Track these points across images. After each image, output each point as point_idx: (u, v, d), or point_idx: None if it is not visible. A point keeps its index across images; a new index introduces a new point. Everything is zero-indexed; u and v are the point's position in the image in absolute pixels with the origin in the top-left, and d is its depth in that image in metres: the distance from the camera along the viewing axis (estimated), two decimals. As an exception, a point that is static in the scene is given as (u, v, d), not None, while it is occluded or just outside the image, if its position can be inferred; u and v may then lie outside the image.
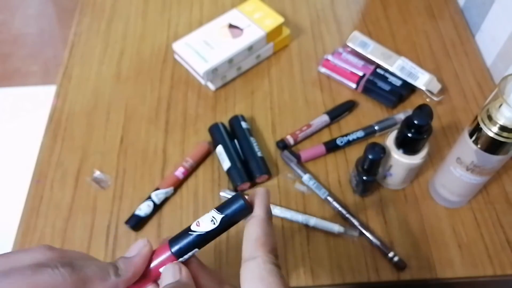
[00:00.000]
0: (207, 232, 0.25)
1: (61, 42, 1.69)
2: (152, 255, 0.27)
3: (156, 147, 0.59)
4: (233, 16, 0.66)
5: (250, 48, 0.63)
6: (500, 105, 0.40)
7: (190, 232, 0.26)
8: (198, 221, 0.26)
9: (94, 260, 0.26)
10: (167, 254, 0.26)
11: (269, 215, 0.27)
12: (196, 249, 0.26)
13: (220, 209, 0.25)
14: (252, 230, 0.26)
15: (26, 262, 0.23)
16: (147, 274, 0.26)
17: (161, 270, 0.26)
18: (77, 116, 0.62)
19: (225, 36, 0.64)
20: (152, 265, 0.26)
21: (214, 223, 0.25)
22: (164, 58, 0.68)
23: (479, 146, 0.43)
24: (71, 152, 0.59)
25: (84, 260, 0.25)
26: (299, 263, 0.49)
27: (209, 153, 0.58)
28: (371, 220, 0.52)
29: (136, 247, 0.27)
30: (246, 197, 0.26)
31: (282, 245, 0.50)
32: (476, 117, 0.43)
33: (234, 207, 0.25)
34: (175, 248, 0.26)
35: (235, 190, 0.54)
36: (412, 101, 0.62)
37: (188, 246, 0.26)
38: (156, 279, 0.27)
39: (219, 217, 0.25)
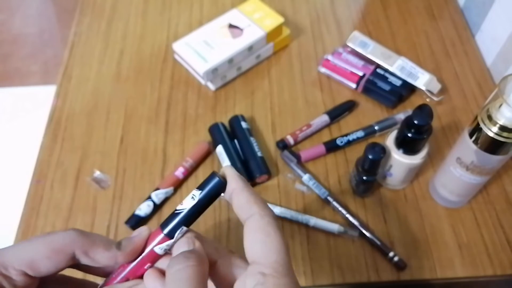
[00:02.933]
0: (189, 209, 0.28)
1: (61, 42, 1.69)
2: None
3: (156, 147, 0.59)
4: (233, 16, 0.66)
5: (250, 48, 0.63)
6: (500, 105, 0.40)
7: (175, 212, 0.28)
8: (182, 202, 0.28)
9: (102, 235, 0.29)
10: (160, 236, 0.29)
11: (245, 183, 0.28)
12: (184, 227, 0.28)
13: (199, 187, 0.28)
14: (239, 199, 0.28)
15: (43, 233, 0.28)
16: (144, 255, 0.29)
17: (175, 245, 0.28)
18: (77, 116, 0.62)
19: (225, 36, 0.64)
20: (149, 246, 0.29)
21: (193, 199, 0.28)
22: (164, 58, 0.68)
23: (479, 146, 0.43)
24: (71, 152, 0.59)
25: (94, 233, 0.29)
26: (299, 263, 0.49)
27: (209, 153, 0.58)
28: (371, 220, 0.52)
29: (137, 231, 0.29)
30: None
31: (282, 245, 0.50)
32: (476, 117, 0.43)
33: (210, 183, 0.28)
34: (166, 230, 0.28)
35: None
36: (412, 101, 0.62)
37: (176, 225, 0.28)
38: (152, 260, 0.29)
39: (197, 193, 0.28)
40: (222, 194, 0.29)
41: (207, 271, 0.27)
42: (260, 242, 0.26)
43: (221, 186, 0.28)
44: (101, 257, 0.28)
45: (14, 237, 0.52)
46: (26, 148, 1.35)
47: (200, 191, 0.28)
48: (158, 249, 0.29)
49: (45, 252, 0.26)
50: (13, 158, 1.37)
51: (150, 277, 0.29)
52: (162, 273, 0.29)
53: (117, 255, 0.28)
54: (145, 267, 0.29)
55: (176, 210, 0.28)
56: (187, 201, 0.28)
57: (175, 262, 0.26)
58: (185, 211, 0.28)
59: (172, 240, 0.28)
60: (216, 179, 0.28)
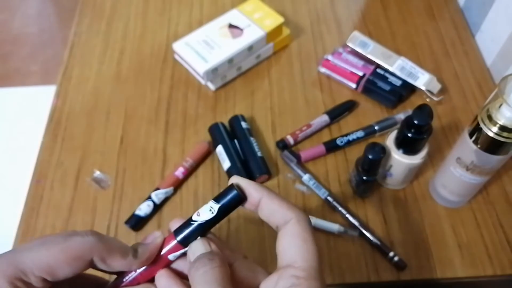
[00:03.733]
0: (207, 221, 0.28)
1: (61, 42, 1.69)
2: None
3: (156, 147, 0.59)
4: (233, 16, 0.66)
5: (250, 48, 0.63)
6: (500, 105, 0.40)
7: (191, 222, 0.28)
8: (198, 212, 0.28)
9: (119, 240, 0.29)
10: (173, 243, 0.29)
11: (271, 190, 0.29)
12: (199, 237, 0.29)
13: (216, 199, 0.28)
14: (270, 205, 0.28)
15: (59, 234, 0.27)
16: (157, 260, 0.29)
17: (190, 245, 0.29)
18: (77, 116, 0.62)
19: (225, 36, 0.64)
20: (162, 253, 0.29)
21: (212, 213, 0.28)
22: (164, 58, 0.68)
23: (479, 146, 0.43)
24: (71, 152, 0.59)
25: (111, 237, 0.29)
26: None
27: (209, 153, 0.58)
28: (371, 220, 0.52)
29: (151, 236, 0.30)
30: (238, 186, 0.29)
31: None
32: (476, 117, 0.43)
33: (229, 196, 0.28)
34: (180, 237, 0.29)
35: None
36: (412, 101, 0.62)
37: (191, 234, 0.28)
38: (164, 265, 0.29)
39: (216, 206, 0.28)
40: (241, 206, 0.29)
41: (229, 272, 0.27)
42: (297, 247, 0.26)
43: (239, 199, 0.28)
44: (117, 265, 0.28)
45: (14, 237, 0.52)
46: (26, 148, 1.35)
47: (218, 205, 0.28)
48: (172, 257, 0.29)
49: (64, 259, 0.26)
50: (13, 158, 1.37)
51: (162, 277, 0.29)
52: (174, 272, 0.29)
53: (133, 263, 0.28)
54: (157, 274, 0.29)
55: (192, 220, 0.28)
56: (205, 213, 0.28)
57: (201, 264, 0.27)
58: (202, 222, 0.28)
59: (186, 249, 0.29)
60: (234, 192, 0.28)
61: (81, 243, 0.27)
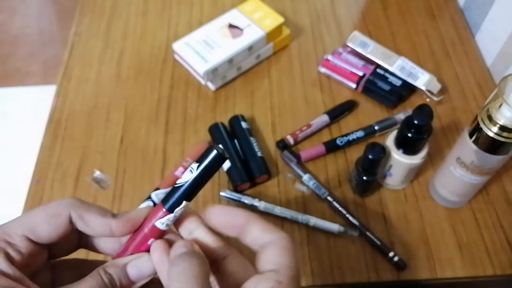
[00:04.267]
0: (189, 183, 0.28)
1: (61, 42, 1.69)
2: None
3: (156, 147, 0.59)
4: (233, 16, 0.66)
5: (250, 48, 0.63)
6: (500, 105, 0.40)
7: (175, 186, 0.29)
8: (181, 177, 0.29)
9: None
10: (161, 211, 0.29)
11: (254, 214, 0.30)
12: (185, 202, 0.28)
13: (197, 161, 0.28)
14: (256, 226, 0.29)
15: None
16: (144, 227, 0.29)
17: (175, 246, 0.28)
18: (77, 116, 0.62)
19: (225, 36, 0.64)
20: (151, 221, 0.29)
21: (192, 173, 0.28)
22: (164, 58, 0.68)
23: (479, 146, 0.43)
24: (71, 152, 0.59)
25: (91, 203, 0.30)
26: (299, 263, 0.49)
27: (209, 153, 0.58)
28: (371, 220, 0.52)
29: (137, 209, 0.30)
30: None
31: (282, 245, 0.50)
32: (476, 117, 0.43)
33: (209, 156, 0.28)
34: (167, 205, 0.29)
35: (235, 190, 0.54)
36: (412, 101, 0.62)
37: (177, 199, 0.28)
38: (155, 235, 0.29)
39: (195, 166, 0.28)
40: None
41: (209, 272, 0.27)
42: (284, 257, 0.28)
43: (220, 158, 0.28)
44: (95, 224, 0.28)
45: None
46: (26, 148, 1.35)
47: (198, 164, 0.28)
48: (160, 224, 0.29)
49: (43, 216, 0.28)
50: (13, 158, 1.37)
51: (157, 249, 0.29)
52: (170, 245, 0.29)
53: (111, 222, 0.28)
54: (149, 243, 0.29)
55: (175, 184, 0.28)
56: (186, 175, 0.28)
57: (180, 260, 0.27)
58: (185, 185, 0.28)
59: (173, 215, 0.29)
60: (214, 152, 0.28)
61: (58, 202, 0.29)
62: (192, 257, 0.27)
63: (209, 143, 0.58)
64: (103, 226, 0.29)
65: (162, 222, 0.29)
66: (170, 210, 0.28)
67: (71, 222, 0.28)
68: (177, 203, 0.28)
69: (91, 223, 0.28)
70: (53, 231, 0.28)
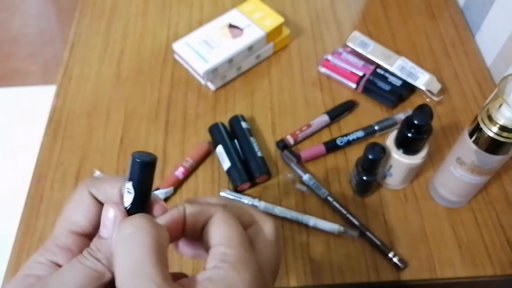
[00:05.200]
0: (132, 203, 0.27)
1: (61, 42, 1.69)
2: None
3: (156, 147, 0.59)
4: (233, 16, 0.66)
5: (250, 48, 0.63)
6: (500, 105, 0.40)
7: (127, 210, 0.27)
8: (124, 199, 0.27)
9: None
10: None
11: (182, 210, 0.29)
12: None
13: (129, 178, 0.27)
14: (195, 208, 0.28)
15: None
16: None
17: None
18: (77, 116, 0.62)
19: (225, 36, 0.64)
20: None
21: (130, 193, 0.27)
22: (164, 58, 0.68)
23: (479, 146, 0.43)
24: (71, 152, 0.59)
25: None
26: (299, 263, 0.49)
27: (209, 153, 0.58)
28: (371, 220, 0.52)
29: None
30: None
31: (282, 245, 0.50)
32: (476, 117, 0.43)
33: (135, 169, 0.26)
34: None
35: (235, 190, 0.54)
36: (412, 101, 0.62)
37: None
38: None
39: (129, 185, 0.27)
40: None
41: (166, 243, 0.25)
42: (227, 227, 0.26)
43: (146, 164, 0.26)
44: (111, 192, 0.27)
45: (14, 237, 0.52)
46: (26, 148, 1.35)
47: (131, 181, 0.27)
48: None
49: (72, 206, 0.28)
50: (13, 158, 1.37)
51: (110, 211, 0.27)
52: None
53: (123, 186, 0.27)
54: None
55: (126, 208, 0.27)
56: (126, 197, 0.27)
57: (127, 225, 0.24)
58: (132, 207, 0.27)
59: None
60: (138, 162, 0.26)
61: (77, 188, 0.29)
62: (145, 221, 0.24)
63: (209, 143, 0.58)
64: (118, 191, 0.28)
65: None
66: None
67: (96, 199, 0.28)
68: None
69: (108, 192, 0.28)
70: (86, 214, 0.27)
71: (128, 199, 0.27)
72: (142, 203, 0.27)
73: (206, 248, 0.27)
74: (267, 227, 0.29)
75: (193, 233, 0.28)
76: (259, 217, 0.29)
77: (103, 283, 0.25)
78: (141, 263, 0.23)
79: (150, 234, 0.24)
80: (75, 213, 0.28)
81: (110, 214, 0.27)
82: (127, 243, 0.24)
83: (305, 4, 0.74)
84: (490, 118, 0.41)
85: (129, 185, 0.27)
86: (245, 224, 0.28)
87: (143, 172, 0.27)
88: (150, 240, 0.24)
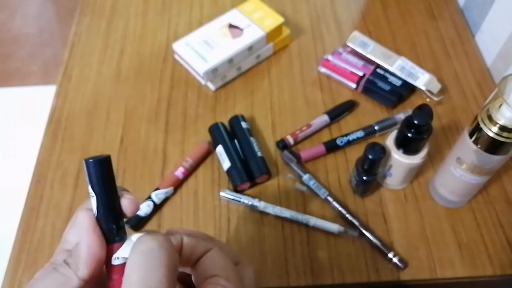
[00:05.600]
0: (98, 206, 0.26)
1: (61, 42, 1.69)
2: None
3: (156, 147, 0.59)
4: (233, 16, 0.66)
5: (250, 48, 0.63)
6: (500, 105, 0.40)
7: (97, 219, 0.27)
8: (92, 207, 0.27)
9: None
10: (109, 248, 0.27)
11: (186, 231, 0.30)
12: (121, 220, 0.27)
13: (89, 182, 0.26)
14: (190, 242, 0.29)
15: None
16: (111, 275, 0.27)
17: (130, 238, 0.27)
18: (77, 116, 0.62)
19: (225, 36, 0.64)
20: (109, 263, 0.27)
21: (93, 196, 0.26)
22: (164, 58, 0.68)
23: (479, 146, 0.43)
24: (71, 152, 0.59)
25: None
26: (299, 263, 0.49)
27: (209, 153, 0.58)
28: (371, 220, 0.52)
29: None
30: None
31: (282, 245, 0.51)
32: (476, 117, 0.43)
33: (91, 171, 0.26)
34: (107, 239, 0.27)
35: (235, 190, 0.54)
36: (412, 101, 0.62)
37: (108, 228, 0.27)
38: (116, 273, 0.27)
39: (90, 189, 0.26)
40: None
41: (177, 263, 0.25)
42: (225, 263, 0.28)
43: (97, 163, 0.26)
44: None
45: (14, 237, 0.52)
46: (26, 148, 1.35)
47: (91, 185, 0.26)
48: (116, 261, 0.26)
49: (68, 225, 0.28)
50: (13, 158, 1.37)
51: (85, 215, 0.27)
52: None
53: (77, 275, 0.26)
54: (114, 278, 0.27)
55: (95, 216, 0.27)
56: (92, 202, 0.26)
57: (143, 240, 0.24)
58: (99, 212, 0.26)
59: (123, 246, 0.26)
60: (91, 163, 0.26)
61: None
62: (161, 240, 0.24)
63: (209, 143, 0.58)
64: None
65: (116, 257, 0.26)
66: (111, 242, 0.26)
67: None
68: (110, 231, 0.26)
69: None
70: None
71: (93, 203, 0.26)
72: (107, 204, 0.27)
73: (199, 278, 0.28)
74: (250, 268, 0.31)
75: (186, 262, 0.29)
76: (242, 258, 0.31)
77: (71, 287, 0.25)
78: (157, 282, 0.23)
79: (170, 255, 0.24)
80: (68, 232, 0.28)
81: (78, 218, 0.27)
82: (146, 258, 0.24)
83: (305, 4, 0.74)
84: (490, 118, 0.41)
85: (90, 190, 0.26)
86: (233, 261, 0.30)
87: (96, 172, 0.26)
88: (169, 261, 0.24)
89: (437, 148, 0.58)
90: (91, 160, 0.26)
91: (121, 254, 0.26)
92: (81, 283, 0.25)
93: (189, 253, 0.28)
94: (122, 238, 0.27)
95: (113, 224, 0.26)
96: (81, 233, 0.26)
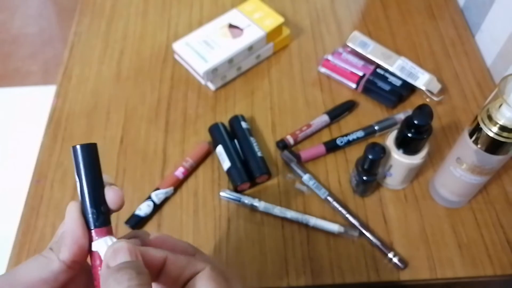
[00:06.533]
0: (81, 192, 0.28)
1: (61, 42, 1.69)
2: None
3: (156, 147, 0.59)
4: (233, 16, 0.66)
5: (250, 48, 0.63)
6: (500, 105, 0.40)
7: (82, 203, 0.28)
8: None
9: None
10: (92, 233, 0.28)
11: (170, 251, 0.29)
12: (124, 240, 0.27)
13: (76, 170, 0.28)
14: (178, 263, 0.28)
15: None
16: (94, 261, 0.28)
17: (112, 245, 0.27)
18: (77, 116, 0.62)
19: (225, 36, 0.64)
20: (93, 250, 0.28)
21: (77, 181, 0.28)
22: (164, 58, 0.68)
23: (479, 146, 0.43)
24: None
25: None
26: (299, 263, 0.49)
27: (209, 153, 0.58)
28: (371, 220, 0.52)
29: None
30: None
31: (282, 245, 0.51)
32: (476, 117, 0.43)
33: (77, 156, 0.27)
34: (90, 224, 0.28)
35: (235, 190, 0.54)
36: (412, 101, 0.62)
37: (92, 214, 0.28)
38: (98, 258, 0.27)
39: (75, 175, 0.27)
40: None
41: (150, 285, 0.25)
42: (216, 284, 0.27)
43: (83, 149, 0.27)
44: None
45: (14, 237, 0.52)
46: (26, 148, 1.35)
47: (76, 171, 0.27)
48: (98, 246, 0.27)
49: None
50: (13, 158, 1.37)
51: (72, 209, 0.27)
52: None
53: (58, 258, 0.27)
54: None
55: (81, 202, 0.28)
56: (78, 188, 0.27)
57: (126, 277, 0.24)
58: (85, 197, 0.27)
59: (94, 231, 0.27)
60: (76, 148, 0.27)
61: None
62: (142, 276, 0.24)
63: (209, 143, 0.58)
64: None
65: (98, 242, 0.27)
66: (90, 226, 0.27)
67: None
68: (90, 215, 0.27)
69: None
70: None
71: (78, 186, 0.27)
72: (88, 189, 0.28)
73: None
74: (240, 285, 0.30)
75: (174, 282, 0.28)
76: (230, 274, 0.30)
77: (52, 270, 0.26)
78: None
79: (141, 276, 0.24)
80: (59, 226, 0.29)
81: (67, 208, 0.28)
82: (118, 275, 0.24)
83: (305, 4, 0.74)
84: (490, 118, 0.41)
85: (75, 176, 0.27)
86: (222, 277, 0.29)
87: (80, 156, 0.27)
88: (140, 282, 0.24)
89: (437, 148, 0.58)
90: (76, 146, 0.27)
91: (96, 247, 0.27)
92: (62, 266, 0.26)
93: (177, 274, 0.27)
94: (103, 224, 0.28)
95: (93, 209, 0.27)
96: (66, 220, 0.27)
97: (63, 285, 0.27)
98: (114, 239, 0.28)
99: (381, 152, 0.48)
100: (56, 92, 0.65)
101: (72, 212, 0.27)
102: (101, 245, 0.27)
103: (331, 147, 0.57)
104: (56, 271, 0.26)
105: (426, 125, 0.46)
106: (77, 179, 0.28)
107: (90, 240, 0.27)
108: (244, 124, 0.58)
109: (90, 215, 0.27)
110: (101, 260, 0.27)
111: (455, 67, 0.66)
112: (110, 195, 0.28)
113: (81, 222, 0.27)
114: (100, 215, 0.28)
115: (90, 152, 0.28)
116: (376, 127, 0.58)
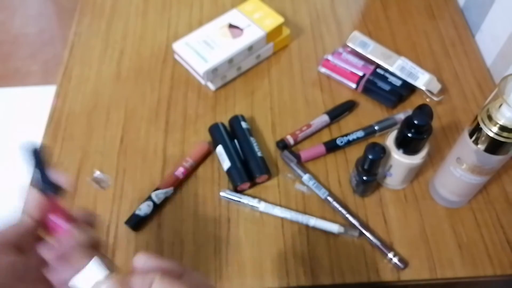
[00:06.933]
0: (34, 173, 0.34)
1: (61, 42, 1.69)
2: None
3: (156, 147, 0.59)
4: (233, 16, 0.66)
5: (250, 48, 0.63)
6: (500, 105, 0.40)
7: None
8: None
9: None
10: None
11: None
12: (95, 258, 0.32)
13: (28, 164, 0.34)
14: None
15: None
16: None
17: (88, 265, 0.32)
18: (77, 116, 0.62)
19: (225, 36, 0.64)
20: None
21: (32, 173, 0.34)
22: (164, 58, 0.68)
23: (479, 146, 0.43)
24: (71, 152, 0.59)
25: None
26: (299, 263, 0.49)
27: (209, 153, 0.58)
28: (371, 220, 0.52)
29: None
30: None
31: (282, 245, 0.51)
32: (476, 117, 0.43)
33: (29, 156, 0.34)
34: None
35: (235, 190, 0.54)
36: (412, 101, 0.62)
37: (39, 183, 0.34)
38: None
39: (29, 167, 0.34)
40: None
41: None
42: None
43: (38, 152, 0.34)
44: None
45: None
46: (26, 148, 1.34)
47: (32, 168, 0.34)
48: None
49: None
50: (13, 158, 1.37)
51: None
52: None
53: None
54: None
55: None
56: (33, 175, 0.34)
57: None
58: (33, 176, 0.33)
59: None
60: (30, 151, 0.34)
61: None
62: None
63: (209, 143, 0.58)
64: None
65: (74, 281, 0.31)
66: (44, 193, 0.34)
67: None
68: (42, 184, 0.34)
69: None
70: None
71: (33, 174, 0.34)
72: (37, 168, 0.34)
73: None
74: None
75: None
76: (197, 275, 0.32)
77: (25, 227, 0.33)
78: None
79: None
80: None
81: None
82: None
83: (305, 4, 0.74)
84: (490, 118, 0.41)
85: (29, 168, 0.34)
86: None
87: (30, 150, 0.35)
88: None
89: (437, 148, 0.58)
90: (32, 148, 0.34)
91: (76, 282, 0.31)
92: (32, 222, 0.33)
93: None
94: (54, 192, 0.35)
95: (46, 184, 0.34)
96: (27, 197, 0.34)
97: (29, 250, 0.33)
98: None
99: (381, 152, 0.48)
100: (56, 92, 0.65)
101: (31, 193, 0.34)
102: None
103: (331, 147, 0.57)
104: (28, 228, 0.33)
105: (426, 125, 0.46)
106: (34, 169, 0.34)
107: (48, 204, 0.34)
108: (244, 124, 0.58)
109: (43, 184, 0.34)
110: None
111: (455, 67, 0.66)
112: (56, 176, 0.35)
113: (37, 192, 0.34)
114: (50, 185, 0.34)
115: (35, 149, 0.35)
116: (376, 127, 0.58)
